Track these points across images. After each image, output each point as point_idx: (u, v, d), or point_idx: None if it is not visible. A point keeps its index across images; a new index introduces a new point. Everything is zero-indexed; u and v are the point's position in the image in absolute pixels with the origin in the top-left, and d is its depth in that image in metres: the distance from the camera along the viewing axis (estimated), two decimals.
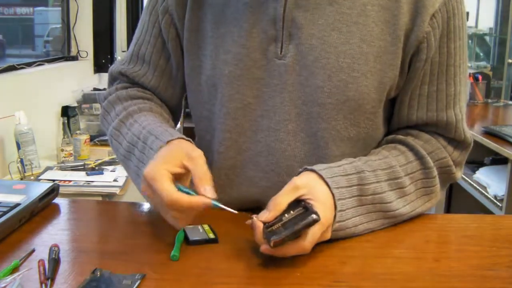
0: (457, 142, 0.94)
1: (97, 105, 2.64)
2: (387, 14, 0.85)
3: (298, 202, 0.76)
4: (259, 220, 0.74)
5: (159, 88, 1.01)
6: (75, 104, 2.62)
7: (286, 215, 0.74)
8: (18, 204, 0.85)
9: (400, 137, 0.94)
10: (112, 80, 1.06)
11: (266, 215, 0.74)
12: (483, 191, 2.62)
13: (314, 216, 0.70)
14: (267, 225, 0.74)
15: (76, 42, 2.92)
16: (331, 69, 0.85)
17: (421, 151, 0.90)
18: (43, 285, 0.66)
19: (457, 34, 0.88)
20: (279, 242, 0.69)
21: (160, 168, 0.75)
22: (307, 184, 0.78)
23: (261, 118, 0.90)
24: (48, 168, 2.20)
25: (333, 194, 0.78)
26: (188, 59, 0.96)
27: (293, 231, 0.69)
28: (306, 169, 0.81)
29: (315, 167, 0.81)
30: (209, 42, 0.92)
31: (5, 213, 0.82)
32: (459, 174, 0.96)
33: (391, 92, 0.90)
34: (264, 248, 0.72)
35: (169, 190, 0.73)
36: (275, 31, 0.87)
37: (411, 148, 0.91)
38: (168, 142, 0.81)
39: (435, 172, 0.91)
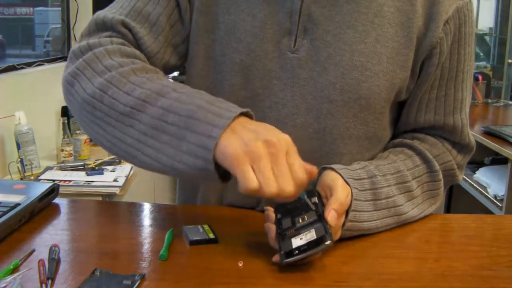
0: (461, 146, 0.95)
1: None
2: (402, 16, 0.86)
3: (312, 194, 0.77)
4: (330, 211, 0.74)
5: (157, 55, 0.89)
6: None
7: (300, 218, 0.74)
8: (18, 204, 0.85)
9: (407, 141, 0.94)
10: (100, 29, 0.88)
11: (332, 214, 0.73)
12: (483, 191, 2.62)
13: (328, 242, 0.69)
14: (281, 228, 0.74)
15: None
16: (345, 66, 0.85)
17: (427, 155, 0.91)
18: (43, 285, 0.66)
19: (467, 41, 0.90)
20: (292, 263, 0.70)
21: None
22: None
23: (269, 109, 0.89)
24: (48, 168, 2.20)
25: (352, 194, 0.79)
26: (194, 42, 0.92)
27: (306, 254, 0.70)
28: (325, 168, 0.82)
29: (334, 166, 0.82)
30: (219, 27, 0.90)
31: (5, 213, 0.81)
32: (461, 177, 0.98)
33: (401, 94, 0.91)
34: (276, 259, 0.72)
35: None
36: (290, 24, 0.87)
37: (418, 152, 0.92)
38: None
39: (440, 175, 0.92)
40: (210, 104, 0.72)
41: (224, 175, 0.71)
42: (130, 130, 0.74)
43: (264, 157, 0.66)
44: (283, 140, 0.69)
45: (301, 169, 0.68)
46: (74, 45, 0.86)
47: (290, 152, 0.69)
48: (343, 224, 0.77)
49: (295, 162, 0.68)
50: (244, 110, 0.72)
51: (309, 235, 0.71)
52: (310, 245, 0.70)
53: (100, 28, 0.88)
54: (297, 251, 0.70)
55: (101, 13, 0.89)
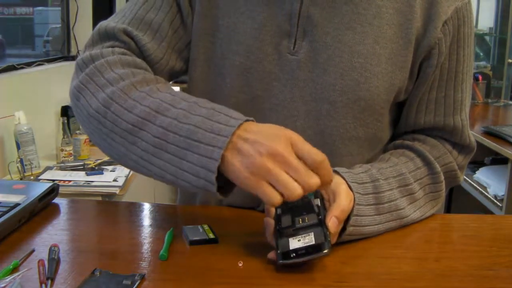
0: (461, 147, 0.95)
1: None
2: (401, 17, 0.86)
3: (315, 195, 0.77)
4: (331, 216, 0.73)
5: (161, 61, 0.90)
6: None
7: (300, 219, 0.74)
8: (17, 204, 0.85)
9: (408, 142, 0.94)
10: (103, 39, 0.89)
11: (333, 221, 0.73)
12: (483, 191, 2.62)
13: (326, 251, 0.69)
14: (279, 225, 0.74)
15: (76, 42, 2.92)
16: (344, 68, 0.85)
17: (428, 157, 0.91)
18: (43, 285, 0.66)
19: (466, 42, 0.90)
20: (287, 264, 0.70)
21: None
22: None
23: (269, 111, 0.89)
24: (48, 168, 2.20)
25: (355, 199, 0.78)
26: (194, 44, 0.92)
27: (302, 259, 0.69)
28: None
29: (338, 169, 0.82)
30: (219, 30, 0.90)
31: (4, 213, 0.81)
32: (462, 178, 0.98)
33: (400, 95, 0.91)
34: (272, 256, 0.72)
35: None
36: (290, 26, 0.87)
37: (419, 154, 0.92)
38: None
39: (442, 177, 0.92)
40: (208, 119, 0.72)
41: (225, 189, 0.73)
42: (133, 147, 0.75)
43: (274, 168, 0.67)
44: (286, 140, 0.69)
45: (314, 153, 0.68)
46: (78, 57, 0.87)
47: (297, 144, 0.69)
48: (345, 229, 0.77)
49: (305, 152, 0.68)
50: (244, 119, 0.72)
51: (308, 239, 0.71)
52: (307, 249, 0.70)
53: (102, 38, 0.89)
54: (294, 254, 0.70)
55: (103, 23, 0.90)
